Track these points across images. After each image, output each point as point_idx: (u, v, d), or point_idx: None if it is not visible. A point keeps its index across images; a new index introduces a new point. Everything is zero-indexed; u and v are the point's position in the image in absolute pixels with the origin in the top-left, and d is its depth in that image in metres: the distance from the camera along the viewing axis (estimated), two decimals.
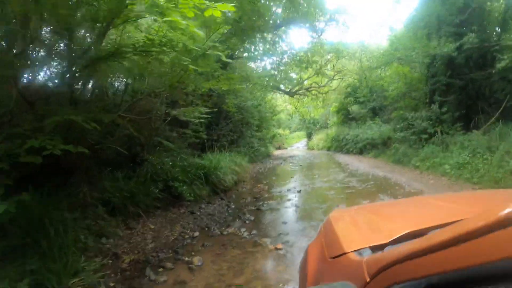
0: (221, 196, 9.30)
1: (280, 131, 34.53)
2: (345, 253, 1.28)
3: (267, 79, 18.16)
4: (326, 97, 25.96)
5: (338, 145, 23.46)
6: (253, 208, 7.69)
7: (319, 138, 30.03)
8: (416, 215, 1.71)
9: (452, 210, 1.60)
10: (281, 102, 32.28)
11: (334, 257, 1.37)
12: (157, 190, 7.43)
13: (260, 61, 19.20)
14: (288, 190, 9.62)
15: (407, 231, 1.19)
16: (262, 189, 9.93)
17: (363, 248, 1.25)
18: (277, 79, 20.95)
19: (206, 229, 6.26)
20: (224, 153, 12.24)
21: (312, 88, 24.48)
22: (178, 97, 12.24)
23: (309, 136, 34.77)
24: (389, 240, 1.19)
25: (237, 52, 12.71)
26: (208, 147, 12.67)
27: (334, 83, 25.68)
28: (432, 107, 13.29)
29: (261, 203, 8.00)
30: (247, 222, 6.53)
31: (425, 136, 12.91)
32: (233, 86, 8.81)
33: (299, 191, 9.28)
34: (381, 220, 1.72)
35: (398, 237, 1.18)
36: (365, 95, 22.86)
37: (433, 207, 1.80)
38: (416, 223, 1.31)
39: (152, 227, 6.49)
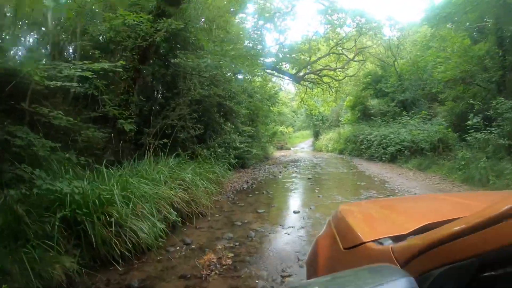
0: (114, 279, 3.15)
1: (283, 128, 28.13)
2: (363, 243, 1.14)
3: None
4: (340, 87, 19.55)
5: (355, 148, 17.28)
6: None
7: (328, 138, 23.76)
8: (430, 210, 1.58)
9: (466, 205, 1.46)
10: (283, 95, 25.92)
11: (348, 248, 1.23)
12: None
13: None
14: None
15: (428, 222, 1.08)
16: (216, 264, 3.70)
17: (383, 238, 1.10)
18: (279, 56, 14.73)
19: None
20: (167, 161, 6.08)
21: (323, 73, 18.00)
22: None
23: (316, 135, 28.42)
24: (409, 231, 1.08)
25: None
26: (147, 147, 6.52)
27: (351, 69, 19.27)
28: None
29: None
30: None
31: None
32: None
33: None
34: (395, 213, 1.59)
35: (419, 228, 1.06)
36: (393, 84, 16.44)
37: (447, 202, 1.70)
38: (432, 216, 1.21)
39: None
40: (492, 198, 1.61)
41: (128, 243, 3.87)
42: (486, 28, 11.69)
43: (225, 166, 9.12)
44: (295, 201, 7.19)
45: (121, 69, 5.28)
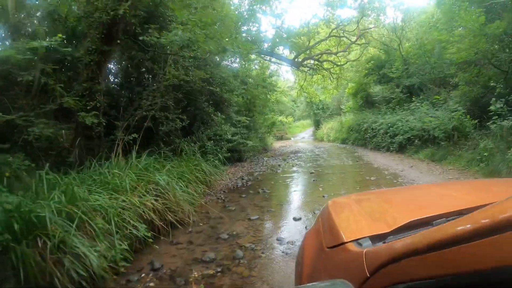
0: None
1: (283, 118, 26.98)
2: (343, 243, 1.09)
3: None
4: (341, 74, 18.37)
5: (358, 137, 16.22)
6: None
7: (329, 127, 22.69)
8: (420, 203, 1.50)
9: (456, 199, 1.41)
10: (282, 83, 24.70)
11: (331, 247, 1.18)
12: None
13: None
14: None
15: (410, 220, 1.03)
16: None
17: (363, 238, 1.06)
18: (276, 41, 13.58)
19: None
20: (139, 160, 5.04)
21: (323, 58, 16.80)
22: None
23: (317, 124, 27.26)
24: (391, 230, 1.03)
25: None
26: (118, 144, 5.47)
27: (353, 54, 18.08)
28: None
29: None
30: None
31: None
32: None
33: None
34: (383, 207, 1.51)
35: (400, 226, 1.02)
36: (398, 68, 15.26)
37: (438, 195, 1.60)
38: (420, 211, 1.15)
39: None
40: (492, 189, 1.57)
41: (72, 272, 2.89)
42: (502, 5, 10.53)
43: (216, 161, 8.11)
44: (295, 203, 6.07)
45: (69, 49, 4.18)
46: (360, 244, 1.02)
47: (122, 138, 5.22)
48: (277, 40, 14.26)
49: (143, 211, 4.10)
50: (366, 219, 1.34)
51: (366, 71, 17.77)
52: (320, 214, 1.56)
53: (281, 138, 27.27)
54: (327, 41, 16.98)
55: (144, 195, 4.24)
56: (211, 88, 7.64)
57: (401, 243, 0.79)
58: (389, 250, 0.82)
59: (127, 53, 6.18)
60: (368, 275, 0.82)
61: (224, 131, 8.44)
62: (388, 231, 1.02)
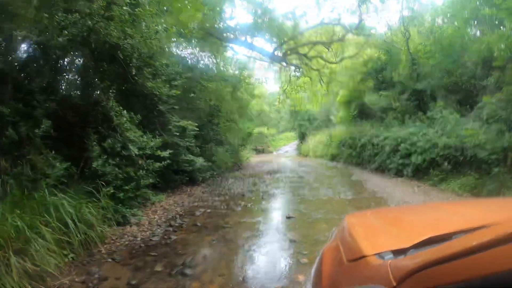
0: None
1: (264, 129, 23.57)
2: (364, 256, 1.12)
3: None
4: (332, 77, 15.07)
5: (353, 154, 12.96)
6: None
7: (316, 140, 19.32)
8: (435, 220, 1.52)
9: (472, 216, 1.42)
10: (261, 88, 21.19)
11: (352, 260, 1.20)
12: None
13: None
14: None
15: (430, 236, 1.05)
16: None
17: (384, 251, 1.08)
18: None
19: None
20: None
21: (312, 53, 13.39)
22: None
23: (302, 137, 23.73)
24: (411, 244, 1.06)
25: None
26: None
27: (351, 49, 14.75)
28: None
29: None
30: None
31: None
32: None
33: None
34: (400, 225, 1.55)
35: (421, 241, 1.05)
36: (404, 68, 11.99)
37: (452, 213, 1.62)
38: (437, 228, 1.20)
39: None
40: (499, 207, 1.57)
41: None
42: None
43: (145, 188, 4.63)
44: None
45: None
46: (382, 257, 1.04)
47: None
48: (255, 23, 10.84)
49: None
50: (385, 234, 1.38)
51: (362, 75, 14.53)
52: (337, 230, 1.57)
53: (262, 152, 24.06)
54: (318, 34, 13.64)
55: None
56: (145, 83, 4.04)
57: (429, 253, 0.81)
58: (416, 259, 0.84)
59: None
60: (395, 284, 0.82)
61: (136, 141, 4.73)
62: (408, 245, 1.04)
